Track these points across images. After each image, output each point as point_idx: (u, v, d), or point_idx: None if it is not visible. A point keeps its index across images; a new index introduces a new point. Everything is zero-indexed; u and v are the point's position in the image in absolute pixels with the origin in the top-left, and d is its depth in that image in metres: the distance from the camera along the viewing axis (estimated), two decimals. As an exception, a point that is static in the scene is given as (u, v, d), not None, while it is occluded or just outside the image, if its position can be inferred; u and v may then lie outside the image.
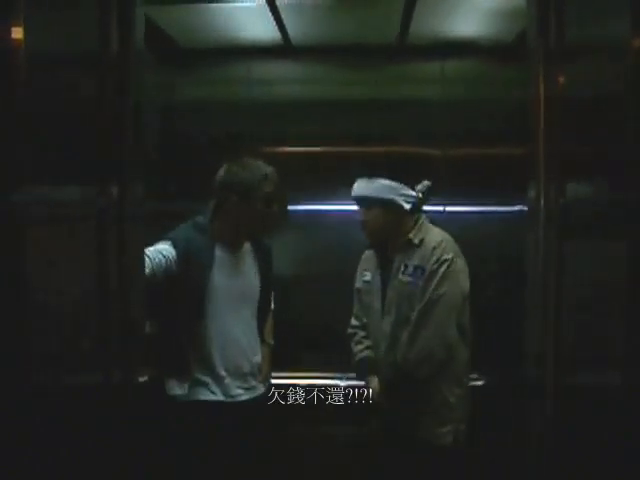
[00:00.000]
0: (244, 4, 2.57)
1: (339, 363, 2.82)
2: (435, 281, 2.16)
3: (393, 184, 2.26)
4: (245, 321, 2.36)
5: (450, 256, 2.18)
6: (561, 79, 1.46)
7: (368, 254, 2.46)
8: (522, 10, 2.43)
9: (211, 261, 2.24)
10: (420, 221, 2.30)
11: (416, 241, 2.24)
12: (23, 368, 1.05)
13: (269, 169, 2.29)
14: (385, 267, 2.34)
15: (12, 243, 1.03)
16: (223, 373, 2.26)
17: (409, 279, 2.22)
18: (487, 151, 3.10)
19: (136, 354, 1.51)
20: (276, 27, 2.81)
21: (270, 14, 2.65)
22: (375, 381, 2.35)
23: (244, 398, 2.30)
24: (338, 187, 3.16)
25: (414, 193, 2.28)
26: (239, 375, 2.30)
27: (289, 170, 2.95)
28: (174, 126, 3.18)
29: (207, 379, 2.25)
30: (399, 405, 2.25)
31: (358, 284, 2.47)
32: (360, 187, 2.32)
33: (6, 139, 1.02)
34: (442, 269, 2.16)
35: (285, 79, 3.23)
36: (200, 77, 3.23)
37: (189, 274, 2.19)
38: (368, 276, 2.40)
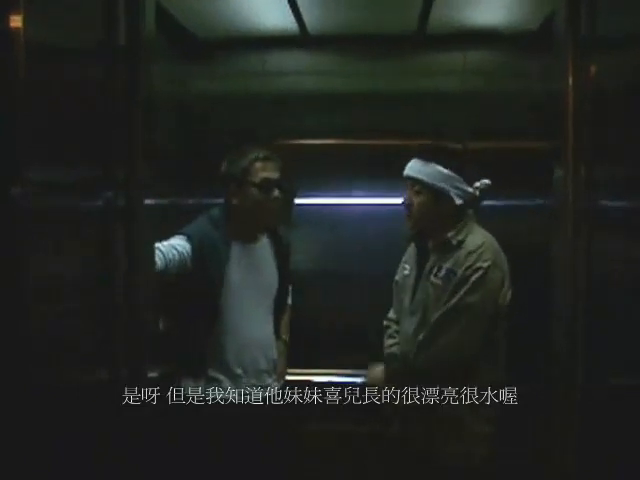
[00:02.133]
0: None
1: (357, 361, 2.78)
2: (465, 288, 2.01)
3: (450, 174, 2.10)
4: (261, 317, 2.32)
5: (486, 264, 2.01)
6: (592, 69, 1.39)
7: (412, 247, 2.33)
8: (548, -3, 2.38)
9: (227, 256, 2.20)
10: (465, 220, 2.13)
11: (454, 242, 2.09)
12: (25, 365, 1.02)
13: (265, 153, 2.23)
14: (422, 264, 2.20)
15: (17, 236, 1.00)
16: (239, 371, 2.22)
17: (439, 282, 2.08)
18: (510, 145, 3.01)
19: (145, 350, 1.48)
20: (293, 16, 2.75)
21: (287, 2, 2.58)
22: (377, 370, 2.25)
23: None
24: (355, 181, 3.12)
25: (470, 189, 2.13)
26: (255, 373, 2.26)
27: (305, 163, 2.93)
28: (188, 119, 3.12)
29: (222, 377, 2.21)
30: (408, 413, 2.12)
31: (397, 277, 2.35)
32: (414, 168, 2.16)
33: (11, 130, 0.98)
34: (474, 277, 2.01)
35: (301, 70, 3.16)
36: (214, 68, 3.16)
37: (204, 270, 2.15)
38: (407, 270, 2.28)
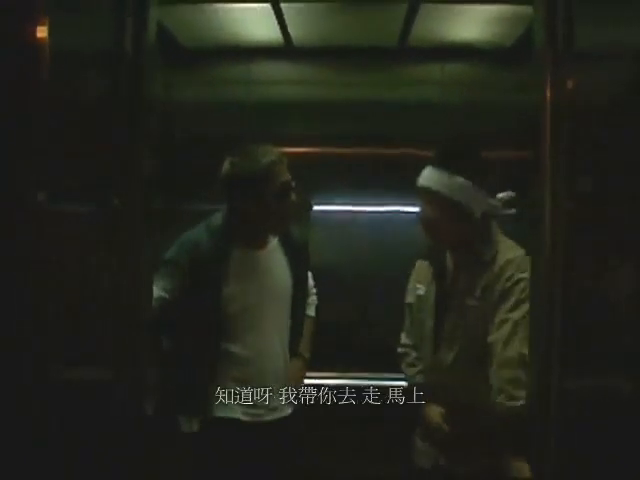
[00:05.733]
0: (248, 5, 2.57)
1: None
2: (511, 302, 1.78)
3: (467, 183, 1.81)
4: (271, 329, 2.11)
5: (525, 275, 1.74)
6: (569, 82, 1.46)
7: (422, 265, 2.08)
8: (523, 15, 2.48)
9: (224, 267, 2.03)
10: (491, 232, 1.90)
11: (487, 258, 1.85)
12: (26, 367, 1.03)
13: (280, 155, 2.03)
14: (441, 281, 1.97)
15: (21, 242, 1.02)
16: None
17: (476, 303, 1.84)
18: (485, 154, 3.11)
19: (142, 354, 1.48)
20: (278, 28, 2.82)
21: (273, 15, 2.65)
22: (435, 410, 1.94)
23: (267, 419, 2.09)
24: (344, 188, 3.16)
25: (492, 200, 1.87)
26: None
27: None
28: (173, 126, 3.15)
29: (228, 399, 2.05)
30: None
31: (410, 298, 2.09)
32: (427, 177, 1.88)
33: (26, 140, 1.00)
34: (517, 288, 1.78)
35: (285, 80, 3.24)
36: (200, 77, 3.22)
37: (200, 287, 2.01)
38: (422, 290, 2.03)
